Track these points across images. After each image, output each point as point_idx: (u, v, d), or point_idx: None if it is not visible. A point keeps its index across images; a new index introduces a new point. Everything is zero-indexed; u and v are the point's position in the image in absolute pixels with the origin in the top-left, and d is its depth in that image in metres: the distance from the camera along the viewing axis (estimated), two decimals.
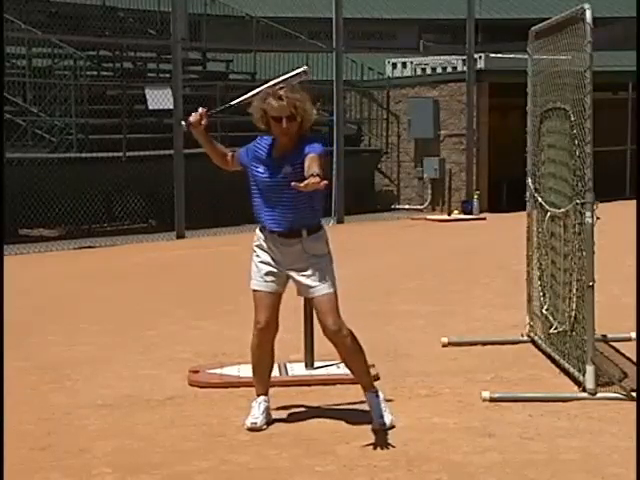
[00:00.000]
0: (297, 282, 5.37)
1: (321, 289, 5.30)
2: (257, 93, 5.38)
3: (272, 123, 5.25)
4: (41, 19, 19.23)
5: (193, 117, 5.41)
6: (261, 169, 5.34)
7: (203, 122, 5.39)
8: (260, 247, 5.41)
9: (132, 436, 5.32)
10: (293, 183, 4.92)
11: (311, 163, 5.05)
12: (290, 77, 5.43)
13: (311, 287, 5.31)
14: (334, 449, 5.03)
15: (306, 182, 4.87)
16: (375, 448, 5.02)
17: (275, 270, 5.37)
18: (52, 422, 5.60)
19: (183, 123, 5.56)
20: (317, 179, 4.86)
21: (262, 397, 5.51)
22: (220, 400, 5.99)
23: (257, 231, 5.45)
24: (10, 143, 15.40)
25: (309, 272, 5.29)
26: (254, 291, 5.43)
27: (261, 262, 5.40)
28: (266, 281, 5.39)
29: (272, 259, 5.37)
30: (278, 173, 5.26)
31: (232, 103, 5.61)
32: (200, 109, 5.45)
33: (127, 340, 7.86)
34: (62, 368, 6.90)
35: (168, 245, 14.78)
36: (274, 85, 5.33)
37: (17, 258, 13.10)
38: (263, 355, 5.50)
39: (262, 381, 5.56)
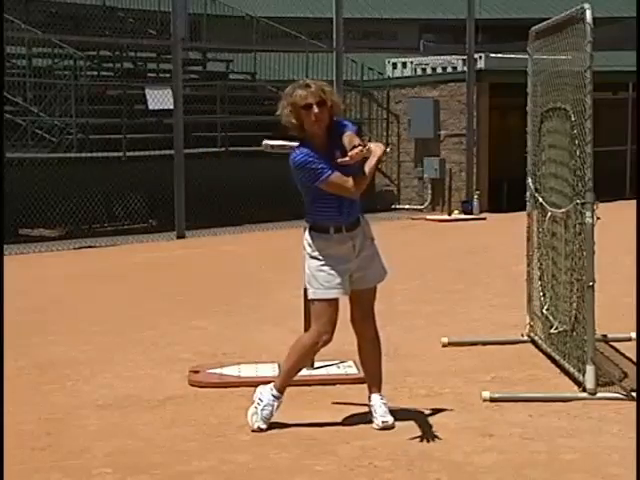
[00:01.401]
0: (362, 273, 5.34)
1: (376, 278, 5.41)
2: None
3: (304, 114, 5.19)
4: (41, 19, 19.23)
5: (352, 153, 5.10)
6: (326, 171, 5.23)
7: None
8: (327, 254, 5.27)
9: (132, 436, 5.32)
10: (340, 160, 4.96)
11: (350, 138, 5.08)
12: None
13: (370, 276, 5.36)
14: (334, 449, 5.03)
15: (350, 153, 4.93)
16: (375, 448, 5.02)
17: (345, 270, 5.29)
18: (52, 422, 5.60)
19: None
20: (359, 148, 4.93)
21: (279, 396, 5.40)
22: (220, 400, 5.99)
23: (313, 239, 5.30)
24: (10, 143, 15.40)
25: (370, 260, 5.35)
26: (325, 300, 5.27)
27: (334, 268, 5.26)
28: (342, 286, 5.29)
29: (344, 261, 5.27)
30: (332, 166, 5.17)
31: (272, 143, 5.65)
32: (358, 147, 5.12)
33: (127, 340, 7.86)
34: (62, 368, 6.90)
35: (168, 245, 14.78)
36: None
37: (17, 258, 13.10)
38: (309, 361, 5.65)
39: (289, 382, 5.47)
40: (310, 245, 5.33)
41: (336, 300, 5.31)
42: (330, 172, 5.15)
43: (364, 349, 5.47)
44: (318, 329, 5.31)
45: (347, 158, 4.99)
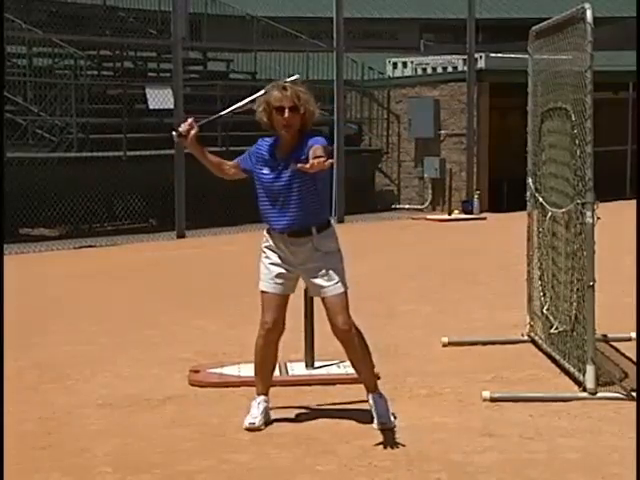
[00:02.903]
0: (309, 282, 5.38)
1: (333, 289, 5.31)
2: (244, 105, 5.42)
3: (274, 115, 5.23)
4: (42, 18, 19.23)
5: (182, 127, 5.39)
6: (266, 170, 5.32)
7: (193, 132, 5.36)
8: (269, 248, 5.39)
9: (132, 436, 5.32)
10: (299, 165, 4.95)
11: (315, 150, 5.05)
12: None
13: (323, 287, 5.31)
14: (334, 449, 5.03)
15: (311, 162, 4.90)
16: (375, 448, 5.02)
17: (285, 271, 5.36)
18: (52, 422, 5.61)
19: (173, 134, 5.48)
20: (321, 159, 4.89)
21: (262, 397, 5.51)
22: (220, 400, 5.99)
23: (265, 233, 5.44)
24: (10, 142, 15.40)
25: (321, 272, 5.30)
26: (263, 292, 5.41)
27: (271, 264, 5.37)
28: (276, 283, 5.37)
29: (282, 260, 5.35)
30: (284, 172, 5.26)
31: (221, 114, 5.62)
32: (189, 119, 5.42)
33: (127, 340, 7.86)
34: (62, 368, 6.90)
35: (168, 245, 14.78)
36: (261, 95, 5.34)
37: (17, 258, 13.10)
38: (268, 355, 5.50)
39: (264, 381, 5.55)
40: (264, 236, 5.46)
41: (276, 294, 5.36)
42: (239, 159, 5.46)
43: (348, 355, 5.46)
44: (261, 319, 5.43)
45: (307, 165, 4.91)
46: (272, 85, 5.33)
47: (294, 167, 5.12)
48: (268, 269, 5.38)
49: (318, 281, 5.31)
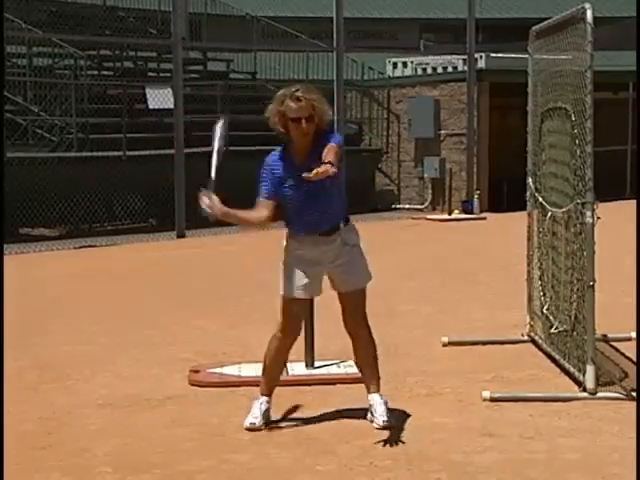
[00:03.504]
0: (338, 278, 5.36)
1: (359, 282, 5.38)
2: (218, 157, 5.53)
3: (291, 125, 5.22)
4: (42, 18, 19.23)
5: (205, 208, 5.33)
6: (289, 183, 5.28)
7: (217, 205, 5.31)
8: (298, 255, 5.34)
9: (132, 436, 5.32)
10: (304, 174, 4.95)
11: (327, 152, 5.06)
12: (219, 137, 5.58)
13: (351, 280, 5.35)
14: (334, 448, 5.03)
15: (315, 171, 4.90)
16: (375, 447, 5.02)
17: (316, 274, 5.34)
18: (52, 422, 5.60)
19: (204, 214, 5.38)
20: (327, 166, 4.90)
21: (265, 398, 5.49)
22: (220, 400, 5.99)
23: (289, 240, 5.39)
24: (11, 142, 15.40)
25: (350, 265, 5.34)
26: (290, 298, 5.36)
27: (302, 269, 5.32)
28: (308, 288, 5.35)
29: (314, 263, 5.32)
30: (299, 182, 5.20)
31: (212, 176, 5.62)
32: (202, 198, 5.39)
33: (127, 340, 7.86)
34: (62, 368, 6.90)
35: (168, 244, 14.78)
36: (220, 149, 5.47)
37: (17, 258, 13.10)
38: (279, 358, 5.52)
39: (270, 382, 5.53)
40: (286, 242, 5.41)
41: (300, 300, 5.36)
42: (259, 198, 5.33)
43: (357, 350, 5.49)
44: (279, 324, 5.42)
45: (311, 175, 4.93)
46: (283, 93, 5.28)
47: (305, 176, 5.08)
48: (298, 275, 5.33)
49: (347, 275, 5.35)
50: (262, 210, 5.34)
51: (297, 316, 5.43)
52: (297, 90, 5.26)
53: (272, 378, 5.54)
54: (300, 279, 5.33)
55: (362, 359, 5.50)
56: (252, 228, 5.48)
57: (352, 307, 5.40)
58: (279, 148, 5.39)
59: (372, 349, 5.48)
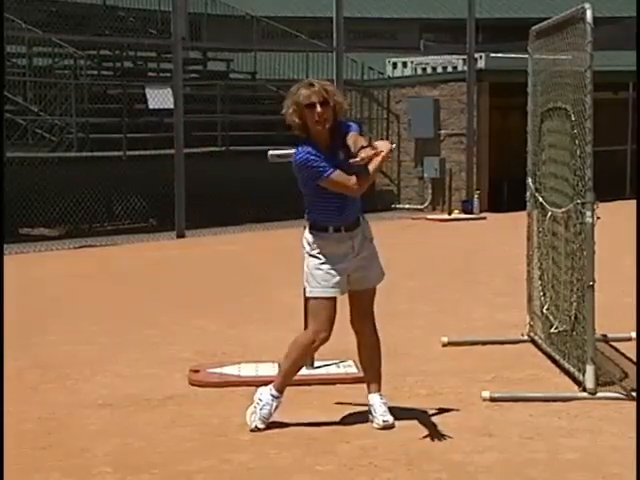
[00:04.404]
0: (359, 272, 5.35)
1: (376, 279, 5.42)
2: None
3: (307, 114, 5.20)
4: (41, 18, 19.21)
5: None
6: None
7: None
8: (326, 253, 5.30)
9: (132, 436, 5.32)
10: (352, 160, 4.97)
11: (356, 139, 5.11)
12: None
13: (369, 277, 5.38)
14: (334, 448, 5.03)
15: (362, 155, 4.94)
16: (375, 447, 5.02)
17: (345, 271, 5.31)
18: (52, 422, 5.60)
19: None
20: (370, 149, 4.95)
21: (278, 396, 5.41)
22: (220, 399, 5.99)
23: (312, 238, 5.33)
24: (10, 142, 15.40)
25: (370, 260, 5.37)
26: (322, 299, 5.30)
27: (331, 268, 5.29)
28: (340, 286, 5.31)
29: (341, 260, 5.30)
30: (335, 165, 5.19)
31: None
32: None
33: (127, 340, 7.86)
34: (62, 368, 6.90)
35: (168, 244, 14.78)
36: None
37: (17, 258, 13.09)
38: (306, 359, 5.58)
39: (289, 381, 5.49)
40: (309, 244, 5.35)
41: (334, 299, 5.32)
42: (332, 170, 5.17)
43: (363, 349, 5.49)
44: (315, 328, 5.34)
45: (358, 159, 5.00)
46: (297, 86, 5.29)
47: (341, 157, 5.15)
48: (329, 274, 5.28)
49: (366, 271, 5.36)
50: (350, 176, 5.20)
51: (332, 316, 5.32)
52: (308, 80, 5.36)
53: (291, 377, 5.49)
54: (333, 278, 5.29)
55: (367, 359, 5.50)
56: (347, 189, 5.25)
57: (363, 305, 5.41)
58: (300, 146, 5.27)
59: (377, 350, 5.49)
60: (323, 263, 5.30)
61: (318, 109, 5.17)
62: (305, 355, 5.51)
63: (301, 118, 5.23)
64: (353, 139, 5.15)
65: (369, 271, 5.39)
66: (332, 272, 5.29)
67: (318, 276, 5.30)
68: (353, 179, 5.19)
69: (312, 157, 5.19)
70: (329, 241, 5.31)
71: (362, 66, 21.50)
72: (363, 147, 5.05)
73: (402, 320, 8.42)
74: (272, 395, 5.39)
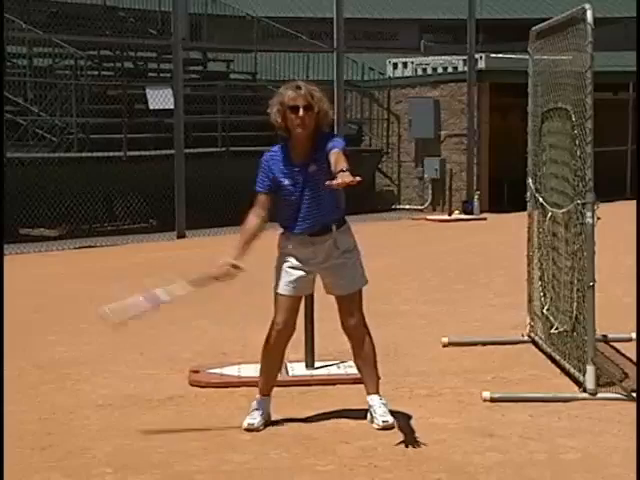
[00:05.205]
0: (328, 280, 5.39)
1: (349, 287, 5.37)
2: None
3: (289, 116, 5.20)
4: (42, 19, 19.22)
5: (223, 272, 5.51)
6: (286, 181, 5.29)
7: (232, 265, 5.42)
8: (288, 252, 5.38)
9: (132, 436, 5.31)
10: (327, 182, 4.92)
11: (337, 159, 5.02)
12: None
13: (341, 285, 5.36)
14: (334, 449, 5.03)
15: (340, 179, 4.86)
16: (375, 448, 5.02)
17: (304, 273, 5.37)
18: (52, 422, 5.60)
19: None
20: (349, 175, 4.87)
21: (265, 397, 5.49)
22: (220, 400, 5.99)
23: (281, 238, 5.43)
24: (11, 143, 15.40)
25: (340, 269, 5.34)
26: (279, 295, 5.42)
27: (290, 267, 5.37)
28: (295, 286, 5.38)
29: (303, 262, 5.35)
30: (304, 176, 5.24)
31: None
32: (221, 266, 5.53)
33: (127, 340, 7.85)
34: (62, 368, 6.90)
35: (169, 245, 14.77)
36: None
37: (17, 258, 13.09)
38: (276, 356, 5.50)
39: (269, 381, 5.54)
40: (279, 241, 5.46)
41: (291, 297, 5.38)
42: (260, 191, 5.33)
43: (356, 351, 5.49)
44: (273, 320, 5.45)
45: (334, 183, 4.87)
46: (285, 86, 5.31)
47: (312, 169, 5.13)
48: (287, 272, 5.37)
49: (336, 279, 5.35)
50: (259, 211, 5.36)
51: (288, 313, 5.40)
52: (297, 82, 5.33)
53: (270, 377, 5.54)
54: (289, 277, 5.37)
55: (360, 360, 5.50)
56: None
57: (347, 309, 5.41)
58: (278, 145, 5.39)
59: (370, 350, 5.47)
60: (284, 261, 5.40)
61: (300, 113, 5.18)
62: (269, 350, 5.49)
63: (283, 119, 5.24)
64: (335, 157, 5.04)
65: (339, 279, 5.37)
66: (289, 271, 5.38)
67: (281, 274, 5.41)
68: (250, 221, 5.34)
69: (264, 165, 5.34)
70: (290, 242, 5.38)
71: (362, 66, 21.52)
72: (342, 171, 4.91)
73: (402, 320, 8.42)
74: (256, 400, 5.47)
